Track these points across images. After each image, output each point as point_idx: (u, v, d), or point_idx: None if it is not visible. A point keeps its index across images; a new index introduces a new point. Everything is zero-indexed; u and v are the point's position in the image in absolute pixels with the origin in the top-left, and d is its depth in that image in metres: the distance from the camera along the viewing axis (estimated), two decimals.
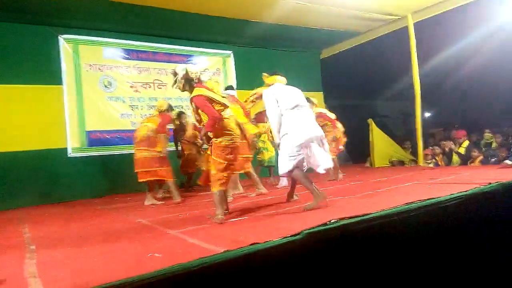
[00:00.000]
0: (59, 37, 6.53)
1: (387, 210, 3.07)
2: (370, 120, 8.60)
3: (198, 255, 2.23)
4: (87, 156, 6.69)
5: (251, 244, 2.40)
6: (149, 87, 7.34)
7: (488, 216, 3.64)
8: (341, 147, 6.40)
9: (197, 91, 3.56)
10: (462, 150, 7.44)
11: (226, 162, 3.51)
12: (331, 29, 8.03)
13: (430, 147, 7.91)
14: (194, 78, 3.66)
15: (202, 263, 2.15)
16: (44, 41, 6.42)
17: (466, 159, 7.30)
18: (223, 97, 3.82)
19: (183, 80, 3.64)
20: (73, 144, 6.58)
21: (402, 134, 10.62)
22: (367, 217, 2.93)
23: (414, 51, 7.54)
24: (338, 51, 9.46)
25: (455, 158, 7.47)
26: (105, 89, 6.90)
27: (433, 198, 3.42)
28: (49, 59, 6.45)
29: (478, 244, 3.47)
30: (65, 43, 6.57)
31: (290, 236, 2.53)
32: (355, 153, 10.28)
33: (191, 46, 7.87)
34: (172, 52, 7.63)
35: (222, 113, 3.60)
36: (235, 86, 8.40)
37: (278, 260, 2.42)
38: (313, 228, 2.65)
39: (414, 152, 8.50)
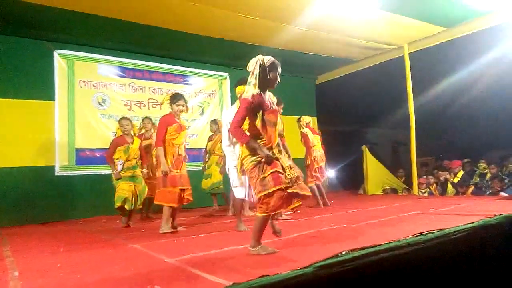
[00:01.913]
0: (54, 52, 6.37)
1: (399, 241, 2.94)
2: (364, 147, 8.58)
3: None
4: (75, 175, 6.43)
5: (260, 277, 2.23)
6: (143, 106, 7.20)
7: (498, 248, 3.55)
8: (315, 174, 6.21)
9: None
10: (456, 180, 7.44)
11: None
12: (328, 56, 8.09)
13: (424, 176, 7.88)
14: None
15: None
16: (39, 55, 6.26)
17: (459, 191, 7.30)
18: None
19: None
20: (61, 162, 6.33)
21: (393, 162, 10.63)
22: (378, 248, 2.79)
23: (409, 80, 7.61)
24: (333, 78, 9.52)
25: (450, 188, 7.45)
26: (98, 107, 6.72)
27: (442, 229, 3.31)
28: (42, 74, 6.27)
29: (489, 277, 3.35)
30: (60, 59, 6.42)
31: (300, 268, 2.38)
32: (348, 179, 10.22)
33: (187, 66, 7.79)
34: (168, 72, 7.54)
35: None
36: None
37: None
38: (324, 260, 2.50)
39: (407, 181, 8.47)
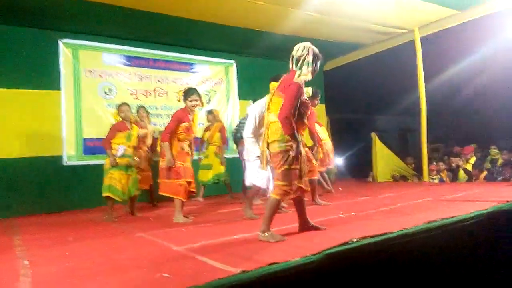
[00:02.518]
0: (58, 41, 6.33)
1: (410, 229, 2.88)
2: (373, 134, 8.47)
3: (212, 276, 2.02)
4: (83, 165, 6.42)
5: (269, 264, 2.19)
6: (150, 95, 7.14)
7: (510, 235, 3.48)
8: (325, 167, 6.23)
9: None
10: (469, 167, 7.32)
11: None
12: (336, 41, 7.93)
13: (435, 163, 7.77)
14: None
15: (219, 286, 1.94)
16: (43, 45, 6.21)
17: (472, 176, 7.18)
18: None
19: None
20: (69, 151, 6.33)
21: (402, 149, 10.49)
22: (389, 236, 2.74)
23: (420, 65, 7.44)
24: (341, 64, 9.35)
25: (462, 174, 7.34)
26: (104, 96, 6.68)
27: (454, 216, 3.25)
28: (48, 63, 6.23)
29: (503, 263, 3.29)
30: (64, 48, 6.36)
31: (310, 255, 2.34)
32: (356, 167, 10.12)
33: (193, 54, 7.68)
34: (173, 60, 7.45)
35: None
36: (236, 97, 8.29)
37: (297, 282, 2.22)
38: (334, 247, 2.46)
39: (417, 168, 8.37)
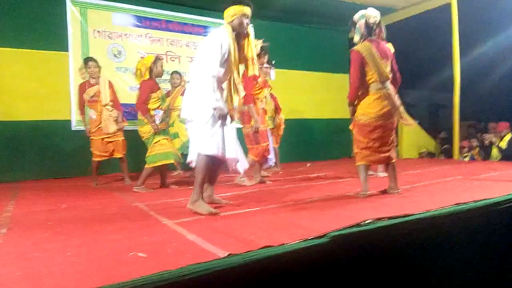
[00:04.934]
0: None
1: (436, 211, 2.47)
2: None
3: (192, 259, 1.69)
4: None
5: (262, 248, 1.84)
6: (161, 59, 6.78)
7: None
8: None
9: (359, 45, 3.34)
10: (503, 144, 6.70)
11: (366, 140, 3.36)
12: (364, 4, 7.26)
13: (467, 140, 7.19)
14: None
15: (194, 272, 1.60)
16: (50, 3, 5.92)
17: (507, 154, 6.57)
18: None
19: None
20: (77, 116, 6.11)
21: (432, 125, 9.89)
22: (410, 218, 2.34)
23: (456, 32, 6.73)
24: None
25: (495, 152, 6.74)
26: (114, 59, 6.38)
27: (488, 199, 2.79)
28: (55, 23, 5.95)
29: None
30: (72, 6, 6.05)
31: (313, 238, 1.97)
32: None
33: (208, 16, 7.21)
34: (186, 22, 7.01)
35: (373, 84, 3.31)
36: None
37: (295, 270, 1.86)
38: (343, 229, 2.09)
39: (447, 144, 7.81)
